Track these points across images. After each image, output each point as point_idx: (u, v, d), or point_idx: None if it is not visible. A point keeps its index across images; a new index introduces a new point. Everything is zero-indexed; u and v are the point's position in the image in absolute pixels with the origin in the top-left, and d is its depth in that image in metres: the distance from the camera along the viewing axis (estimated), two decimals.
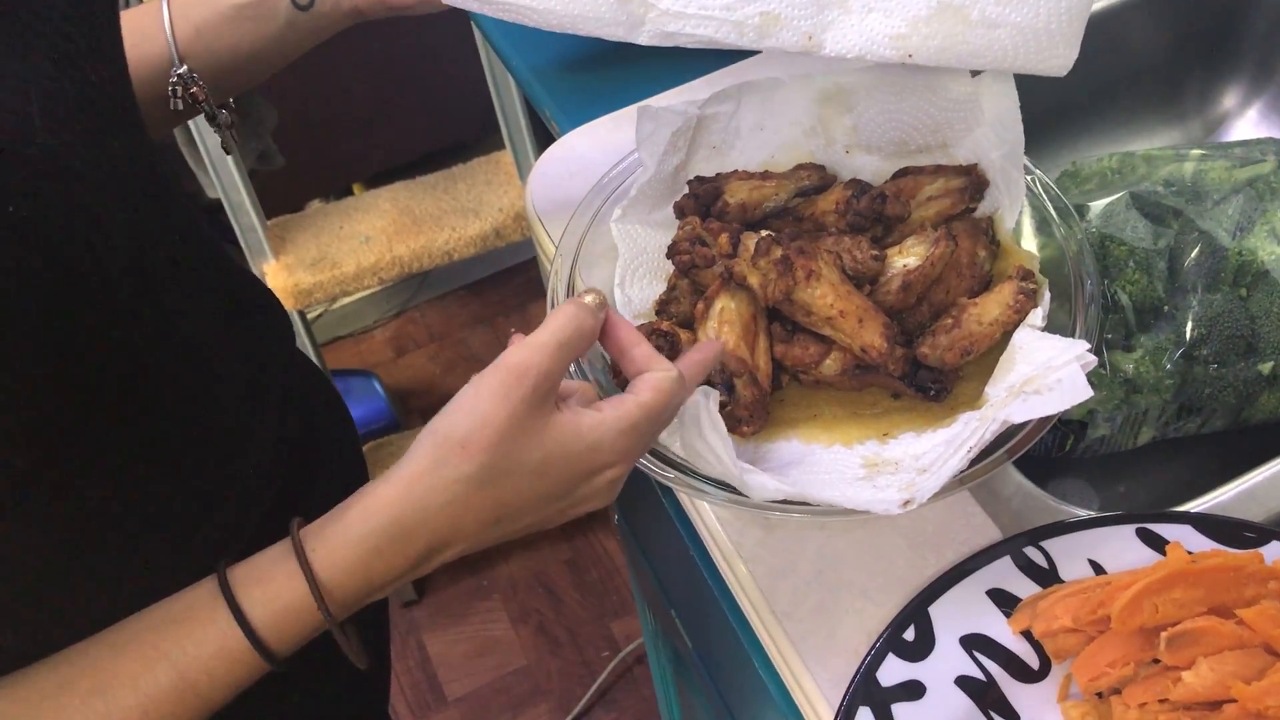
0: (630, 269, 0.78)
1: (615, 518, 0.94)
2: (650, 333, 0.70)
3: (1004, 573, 0.66)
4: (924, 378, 0.70)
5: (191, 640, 0.54)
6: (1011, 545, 0.67)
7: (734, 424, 0.70)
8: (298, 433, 0.77)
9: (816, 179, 0.77)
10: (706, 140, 0.80)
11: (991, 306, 0.71)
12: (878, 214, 0.73)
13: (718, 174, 0.78)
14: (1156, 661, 0.59)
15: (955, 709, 0.61)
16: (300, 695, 0.72)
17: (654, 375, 0.58)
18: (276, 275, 1.56)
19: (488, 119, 1.63)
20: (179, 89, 0.74)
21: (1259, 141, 0.88)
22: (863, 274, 0.71)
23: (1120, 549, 0.65)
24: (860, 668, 0.63)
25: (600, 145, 0.90)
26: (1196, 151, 0.86)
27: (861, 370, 0.71)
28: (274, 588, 0.55)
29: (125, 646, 0.55)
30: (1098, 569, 0.65)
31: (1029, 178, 0.76)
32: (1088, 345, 0.64)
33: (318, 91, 1.87)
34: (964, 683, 0.62)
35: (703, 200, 0.77)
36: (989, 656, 0.63)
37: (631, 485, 0.96)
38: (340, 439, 0.88)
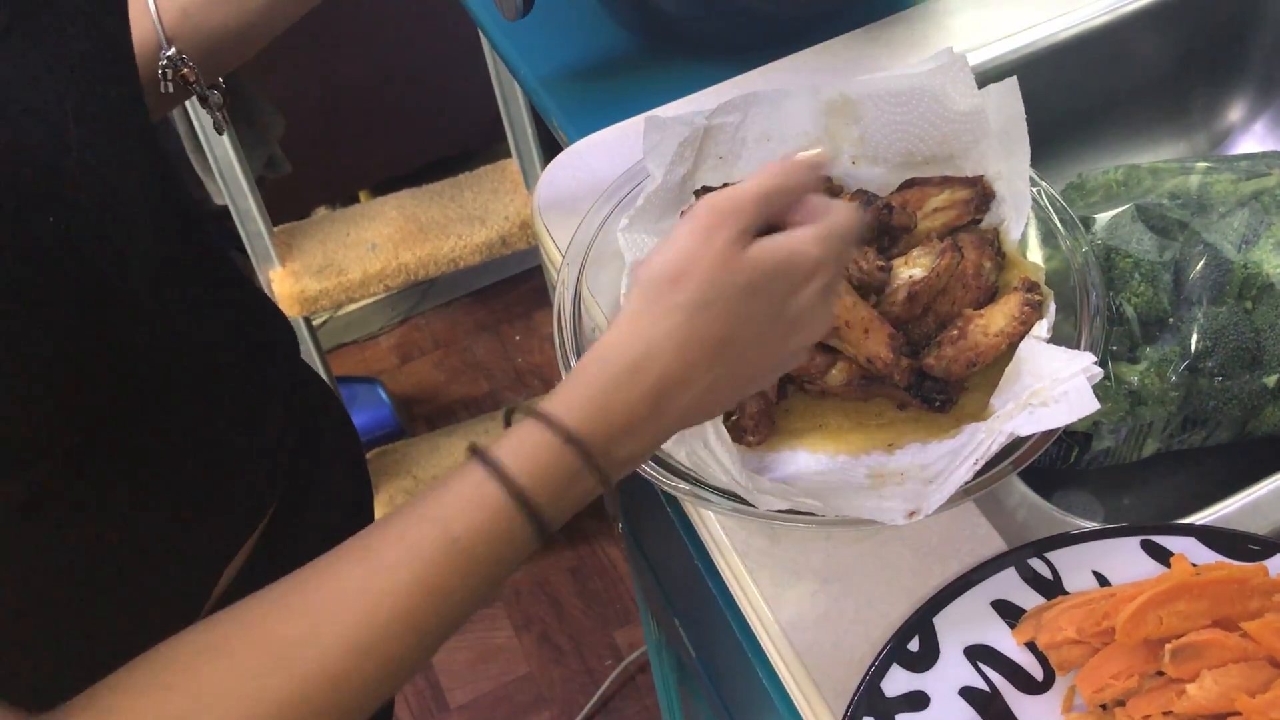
0: None
1: (619, 526, 0.94)
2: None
3: (1009, 584, 0.66)
4: (929, 388, 0.70)
5: (450, 493, 0.53)
6: (1016, 556, 0.67)
7: (739, 434, 0.70)
8: (299, 445, 0.77)
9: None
10: (713, 150, 0.80)
11: (997, 318, 0.71)
12: (884, 225, 0.74)
13: (725, 184, 0.79)
14: (1161, 674, 0.59)
15: None
16: None
17: (831, 203, 0.58)
18: (282, 282, 1.57)
19: (494, 127, 1.63)
20: (169, 72, 0.74)
21: (1264, 155, 0.88)
22: (869, 284, 0.71)
23: (1125, 561, 0.65)
24: (864, 678, 0.63)
25: (607, 155, 0.90)
26: (1202, 164, 0.86)
27: (867, 381, 0.71)
28: (521, 433, 0.54)
29: (391, 518, 0.54)
30: (1102, 581, 0.65)
31: (1035, 190, 0.77)
32: (1094, 358, 0.65)
33: (325, 99, 1.88)
34: (968, 694, 0.62)
35: None
36: (993, 668, 0.63)
37: (635, 493, 0.96)
38: (342, 450, 0.89)
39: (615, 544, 1.93)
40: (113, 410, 0.56)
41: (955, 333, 0.70)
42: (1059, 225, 0.76)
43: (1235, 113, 1.02)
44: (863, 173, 0.80)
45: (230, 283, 0.73)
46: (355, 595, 0.51)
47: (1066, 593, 0.65)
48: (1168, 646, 0.58)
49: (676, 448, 0.67)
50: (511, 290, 2.27)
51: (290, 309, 1.58)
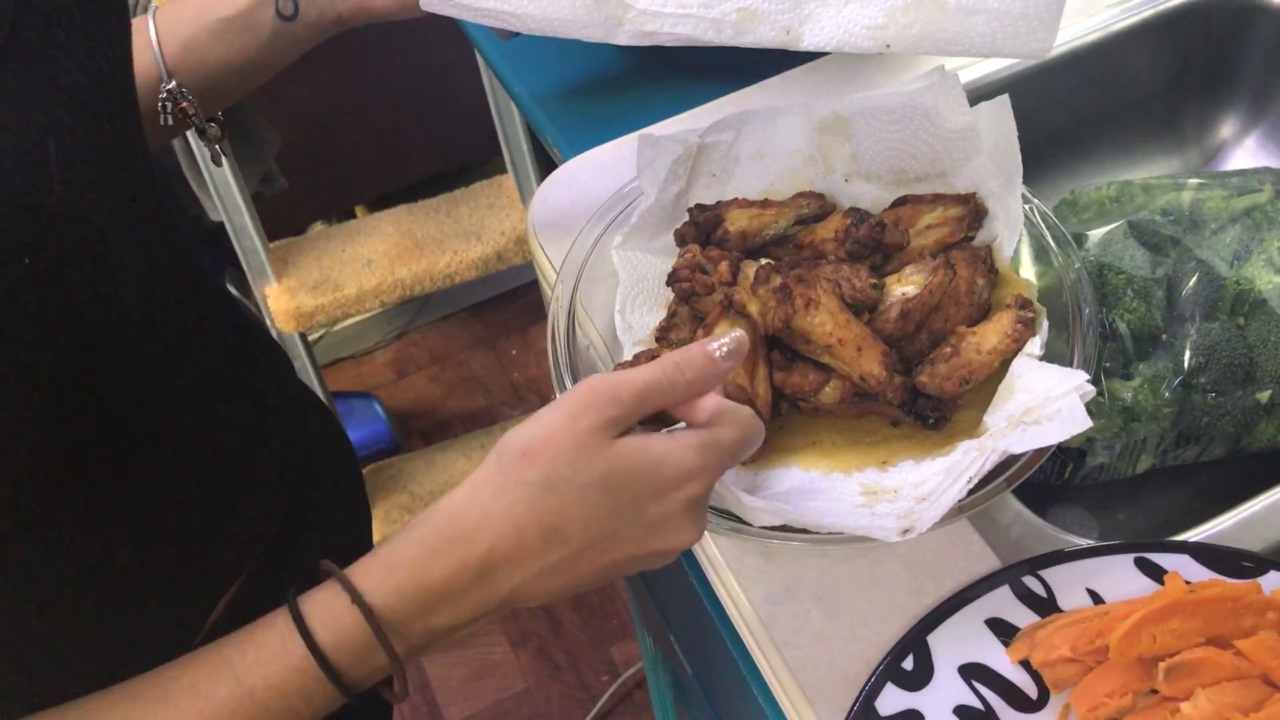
0: (631, 295, 0.78)
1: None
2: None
3: (1003, 602, 0.66)
4: (923, 406, 0.70)
5: (253, 646, 0.53)
6: (1010, 574, 0.67)
7: None
8: (299, 472, 0.77)
9: (816, 207, 0.78)
10: (707, 168, 0.81)
11: (990, 335, 0.71)
12: (876, 242, 0.74)
13: (718, 201, 0.79)
14: (1155, 692, 0.59)
15: None
16: None
17: (733, 413, 0.56)
18: (278, 298, 1.57)
19: (490, 143, 1.63)
20: (168, 104, 0.75)
21: (1256, 171, 0.88)
22: (861, 302, 0.71)
23: (1119, 578, 0.65)
24: (859, 697, 0.63)
25: (602, 172, 0.90)
26: (1194, 181, 0.86)
27: (860, 398, 0.71)
28: (331, 591, 0.53)
29: (194, 659, 0.54)
30: (1096, 598, 0.65)
31: (1027, 206, 0.77)
32: (1086, 375, 0.65)
33: (321, 115, 1.88)
34: (963, 712, 0.62)
35: (703, 227, 0.77)
36: (988, 686, 0.63)
37: None
38: (341, 472, 0.88)
39: None
40: (101, 446, 0.56)
41: (948, 350, 0.70)
42: (1051, 242, 0.76)
43: (1227, 128, 1.03)
44: (855, 190, 0.80)
45: (222, 311, 0.73)
46: None
47: (1061, 610, 0.65)
48: (1161, 665, 0.58)
49: None
50: (508, 305, 2.27)
51: (286, 325, 1.58)
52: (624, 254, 0.79)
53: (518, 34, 0.91)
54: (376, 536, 1.04)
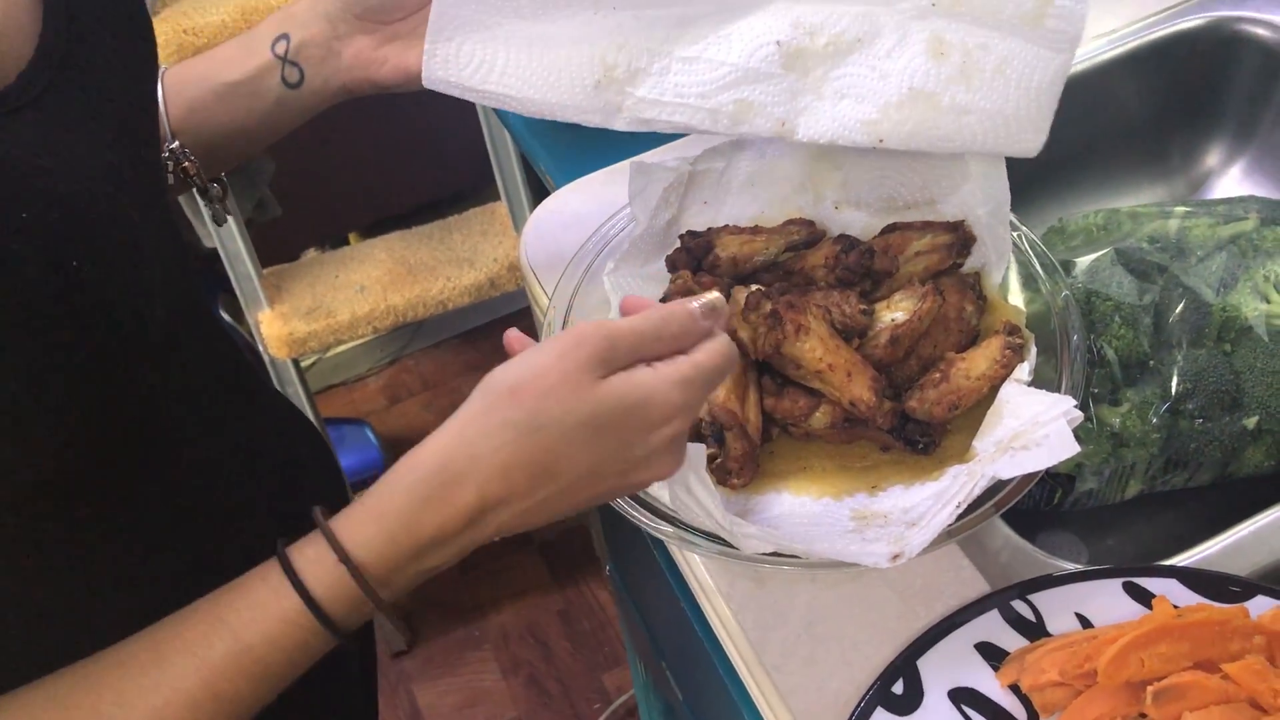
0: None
1: (607, 569, 0.94)
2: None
3: (992, 626, 0.66)
4: (912, 431, 0.71)
5: (246, 603, 0.53)
6: (1000, 599, 0.67)
7: (724, 476, 0.71)
8: (290, 498, 0.77)
9: (806, 234, 0.79)
10: (698, 195, 0.81)
11: (979, 361, 0.71)
12: (866, 269, 0.75)
13: (709, 228, 0.79)
14: (1143, 715, 0.59)
15: None
16: None
17: (708, 340, 0.56)
18: (271, 324, 1.57)
19: (483, 170, 1.64)
20: (171, 164, 0.76)
21: (1241, 199, 0.89)
22: (851, 328, 0.72)
23: (1107, 603, 0.66)
24: None
25: (594, 199, 0.91)
26: (1180, 209, 0.87)
27: (850, 423, 0.71)
28: (318, 545, 0.54)
29: (186, 617, 0.54)
30: (1085, 623, 0.65)
31: (1015, 234, 0.77)
32: (1074, 401, 0.65)
33: (315, 141, 1.89)
34: None
35: (694, 254, 0.78)
36: (977, 710, 0.63)
37: (622, 536, 0.96)
38: (330, 496, 0.89)
39: (603, 587, 1.93)
40: (113, 459, 0.57)
41: (937, 376, 0.71)
42: (1039, 269, 0.77)
43: (1213, 157, 1.04)
44: (845, 217, 0.81)
45: (218, 333, 0.74)
46: (142, 704, 0.52)
47: (1049, 634, 0.65)
48: (1150, 689, 0.58)
49: (660, 490, 0.67)
50: (499, 331, 2.26)
51: (279, 351, 1.58)
52: (616, 279, 0.79)
53: None
54: None
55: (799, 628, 0.69)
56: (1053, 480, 0.80)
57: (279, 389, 1.58)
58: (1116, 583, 0.66)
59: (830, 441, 0.73)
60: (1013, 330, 0.73)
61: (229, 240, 1.52)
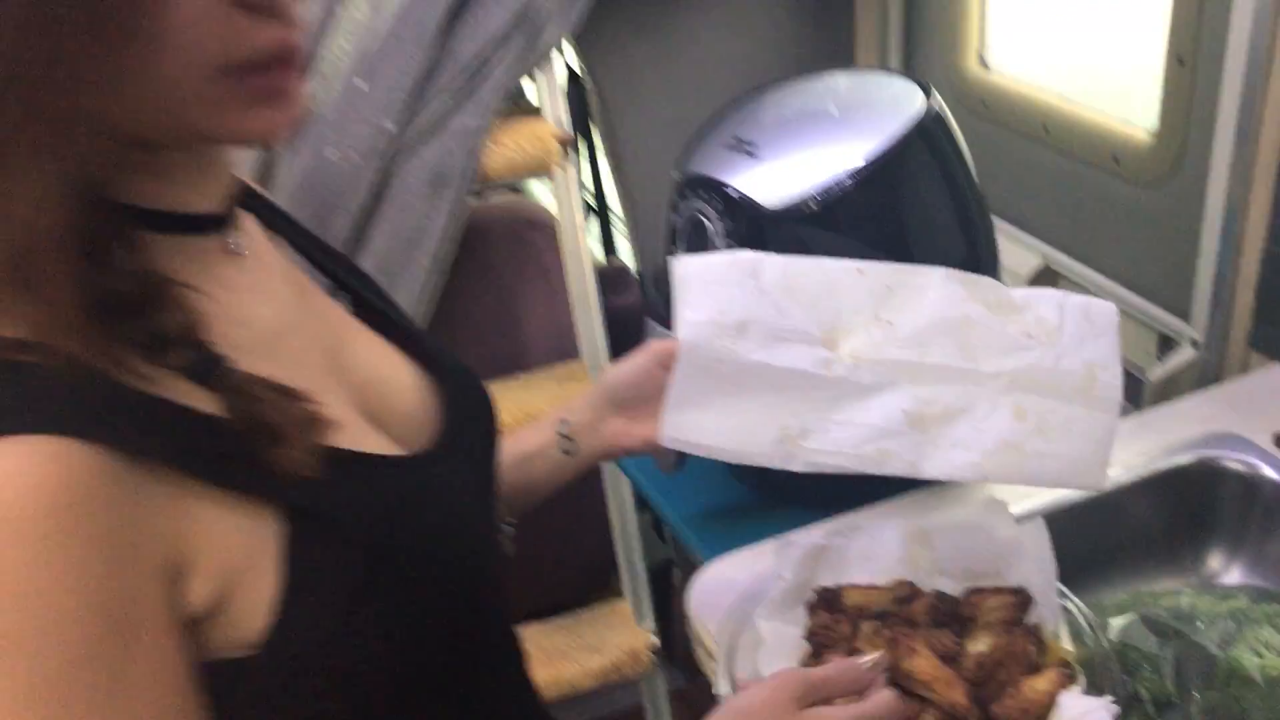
0: (771, 654, 1.06)
1: None
2: None
3: None
4: None
5: None
6: None
7: None
8: None
9: (908, 590, 1.07)
10: (826, 564, 1.11)
11: (1041, 682, 0.97)
12: (955, 614, 1.02)
13: (837, 584, 1.08)
14: None
15: None
16: None
17: (877, 690, 0.85)
18: None
19: (596, 579, 1.93)
20: None
21: (1236, 587, 1.17)
22: (947, 654, 0.99)
23: None
24: None
25: (742, 569, 1.21)
26: (1189, 591, 1.15)
27: None
28: None
29: None
30: None
31: (1064, 601, 1.05)
32: (1112, 698, 0.90)
33: None
34: None
35: (827, 599, 1.06)
36: None
37: None
38: None
39: None
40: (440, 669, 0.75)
41: (1013, 689, 0.97)
42: (1084, 625, 1.04)
43: (1215, 561, 1.32)
44: (936, 584, 1.09)
45: None
46: None
47: None
48: None
49: None
50: None
51: None
52: (766, 623, 1.07)
53: (681, 470, 1.26)
54: None
55: None
56: None
57: None
58: None
59: None
60: (1064, 664, 0.99)
61: None
